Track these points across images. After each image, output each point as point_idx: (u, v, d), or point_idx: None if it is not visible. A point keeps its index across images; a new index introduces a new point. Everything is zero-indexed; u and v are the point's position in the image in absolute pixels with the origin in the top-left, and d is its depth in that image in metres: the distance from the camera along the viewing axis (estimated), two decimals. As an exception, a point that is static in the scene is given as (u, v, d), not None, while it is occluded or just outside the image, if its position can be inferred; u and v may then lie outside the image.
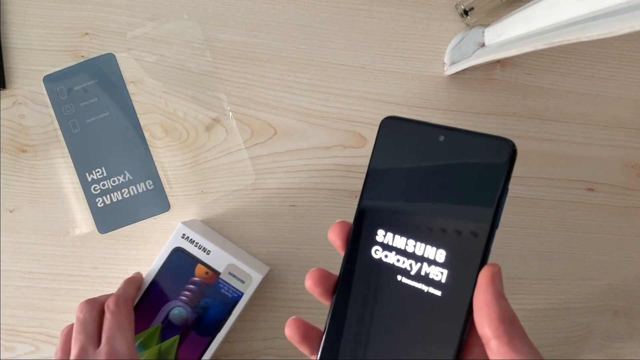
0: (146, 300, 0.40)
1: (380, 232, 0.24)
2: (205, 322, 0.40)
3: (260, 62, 0.46)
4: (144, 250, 0.45)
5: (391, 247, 0.23)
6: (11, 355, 0.44)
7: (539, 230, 0.49)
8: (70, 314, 0.45)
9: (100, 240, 0.45)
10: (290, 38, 0.46)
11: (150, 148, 0.45)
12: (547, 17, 0.34)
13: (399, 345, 0.23)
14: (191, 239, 0.40)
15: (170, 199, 0.45)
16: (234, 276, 0.40)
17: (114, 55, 0.44)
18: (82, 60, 0.45)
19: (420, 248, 0.23)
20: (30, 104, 0.45)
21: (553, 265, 0.49)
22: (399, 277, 0.23)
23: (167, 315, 0.40)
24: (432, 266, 0.23)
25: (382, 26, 0.47)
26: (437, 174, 0.23)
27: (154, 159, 0.45)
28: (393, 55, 0.47)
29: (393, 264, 0.23)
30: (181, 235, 0.40)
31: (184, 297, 0.40)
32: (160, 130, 0.46)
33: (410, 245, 0.23)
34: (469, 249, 0.22)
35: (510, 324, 0.20)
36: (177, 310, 0.40)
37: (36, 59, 0.45)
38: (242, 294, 0.40)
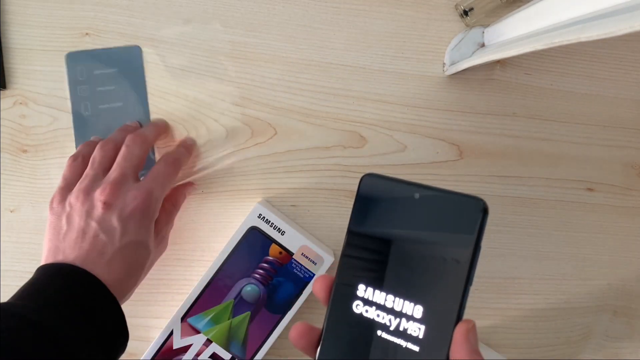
0: (220, 277, 0.42)
1: (361, 287, 0.25)
2: (276, 300, 0.42)
3: (260, 62, 0.46)
4: (144, 250, 0.45)
5: (371, 302, 0.24)
6: (11, 355, 0.44)
7: (539, 230, 0.49)
8: (71, 313, 0.45)
9: (101, 240, 0.45)
10: (290, 38, 0.46)
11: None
12: (547, 17, 0.34)
13: None
14: (267, 219, 0.42)
15: (171, 199, 0.46)
16: (306, 257, 0.42)
17: (141, 49, 0.44)
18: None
19: (398, 303, 0.24)
20: (31, 104, 0.45)
21: (553, 265, 0.49)
22: (379, 332, 0.24)
23: (240, 292, 0.42)
24: (410, 322, 0.24)
25: (382, 26, 0.47)
26: (413, 230, 0.24)
27: (156, 157, 0.45)
28: (393, 55, 0.47)
29: (373, 319, 0.24)
30: (257, 215, 0.42)
31: (257, 275, 0.42)
32: (161, 130, 0.46)
33: (389, 300, 0.24)
34: (445, 305, 0.23)
35: None
36: (250, 287, 0.42)
37: (36, 59, 0.45)
38: (313, 274, 0.42)
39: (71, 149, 0.45)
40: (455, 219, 0.24)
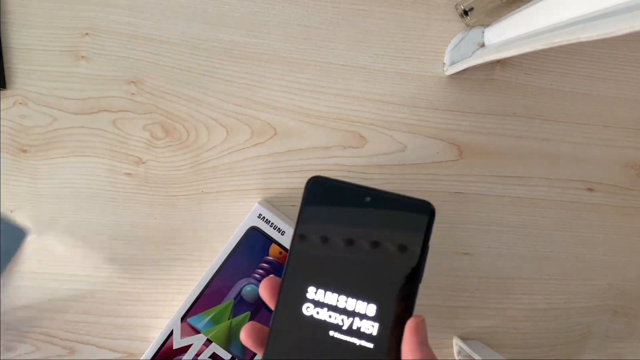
0: (220, 277, 0.42)
1: (311, 289, 0.25)
2: None
3: (260, 62, 0.46)
4: (144, 250, 0.45)
5: (322, 304, 0.25)
6: (11, 355, 0.44)
7: (539, 230, 0.49)
8: (71, 314, 0.45)
9: (101, 240, 0.45)
10: (290, 38, 0.46)
11: (150, 148, 0.46)
12: (546, 17, 0.34)
13: None
14: (267, 219, 0.41)
15: (171, 199, 0.45)
16: None
17: (25, 235, 0.42)
18: (82, 60, 0.45)
19: (351, 303, 0.24)
20: (31, 104, 0.45)
21: (553, 265, 0.49)
22: (331, 333, 0.24)
23: (240, 292, 0.42)
24: (364, 320, 0.24)
25: (382, 26, 0.47)
26: (364, 232, 0.25)
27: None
28: (393, 55, 0.47)
29: (325, 320, 0.24)
30: (257, 215, 0.42)
31: (257, 275, 0.42)
32: (160, 130, 0.46)
33: (342, 301, 0.24)
34: (397, 303, 0.24)
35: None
36: (250, 287, 0.42)
37: (36, 59, 0.45)
38: None
39: (71, 148, 0.45)
40: (404, 221, 0.25)
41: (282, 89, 0.46)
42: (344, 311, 0.24)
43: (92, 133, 0.45)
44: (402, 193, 0.25)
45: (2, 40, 0.44)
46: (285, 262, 0.26)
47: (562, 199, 0.49)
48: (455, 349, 0.48)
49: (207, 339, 0.41)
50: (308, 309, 0.25)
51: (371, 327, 0.24)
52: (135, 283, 0.45)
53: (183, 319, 0.41)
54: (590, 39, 0.26)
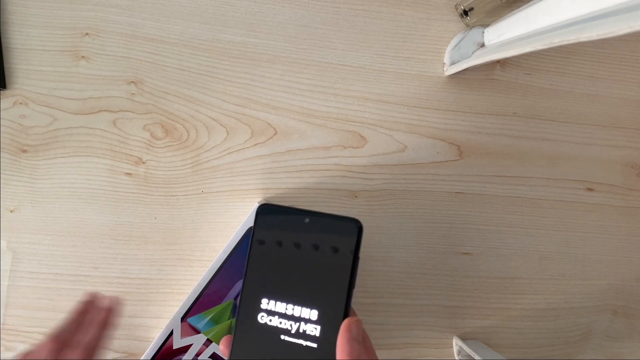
0: (219, 277, 0.42)
1: (264, 300, 0.29)
2: None
3: (260, 62, 0.46)
4: (144, 250, 0.45)
5: (274, 312, 0.29)
6: (11, 355, 0.44)
7: (539, 230, 0.49)
8: (71, 313, 0.45)
9: (101, 240, 0.45)
10: (290, 38, 0.46)
11: (150, 148, 0.46)
12: (546, 17, 0.34)
13: None
14: None
15: (170, 199, 0.45)
16: None
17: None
18: (82, 60, 0.45)
19: (297, 310, 0.29)
20: (31, 104, 0.45)
21: (553, 265, 0.49)
22: (282, 337, 0.29)
23: (239, 292, 0.41)
24: (308, 324, 0.29)
25: (382, 26, 0.47)
26: (305, 248, 0.29)
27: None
28: (393, 55, 0.47)
29: (276, 326, 0.29)
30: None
31: None
32: (160, 130, 0.46)
33: (289, 309, 0.29)
34: (335, 307, 0.29)
35: (359, 352, 0.27)
36: None
37: (36, 59, 0.45)
38: None
39: (71, 148, 0.45)
40: (338, 237, 0.29)
41: (282, 89, 0.46)
42: (292, 317, 0.29)
43: (92, 133, 0.45)
44: (334, 213, 0.30)
45: (2, 40, 0.44)
46: (243, 278, 0.30)
47: (562, 199, 0.49)
48: (455, 349, 0.48)
49: (207, 339, 0.41)
50: (262, 318, 0.29)
51: (314, 330, 0.29)
52: (135, 283, 0.45)
53: (183, 319, 0.41)
54: (590, 39, 0.26)
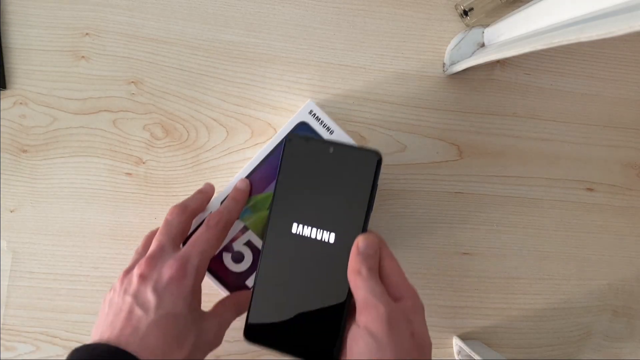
0: (264, 168, 0.41)
1: (294, 224, 0.33)
2: None
3: (260, 62, 0.46)
4: (144, 250, 0.45)
5: (303, 230, 0.33)
6: (12, 355, 0.44)
7: (539, 230, 0.49)
8: (71, 314, 0.45)
9: (101, 240, 0.45)
10: (290, 38, 0.46)
11: (150, 148, 0.46)
12: (546, 17, 0.34)
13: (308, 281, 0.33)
14: (317, 117, 0.41)
15: (170, 199, 0.45)
16: None
17: None
18: (82, 60, 0.45)
19: (320, 233, 0.33)
20: (31, 104, 0.45)
21: (553, 265, 0.49)
22: (306, 250, 0.33)
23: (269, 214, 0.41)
24: (329, 243, 0.33)
25: (382, 26, 0.47)
26: (329, 175, 0.33)
27: (154, 159, 0.45)
28: (393, 55, 0.47)
29: (307, 237, 0.33)
30: (308, 111, 0.41)
31: None
32: (160, 130, 0.46)
33: (314, 231, 0.33)
34: (353, 227, 0.32)
35: (361, 266, 0.30)
36: None
37: (36, 59, 0.45)
38: None
39: (71, 148, 0.45)
40: (359, 166, 0.32)
41: (282, 89, 0.46)
42: (318, 230, 0.33)
43: (92, 133, 0.45)
44: (356, 145, 0.34)
45: (2, 40, 0.44)
46: (271, 203, 0.34)
47: (562, 199, 0.49)
48: (455, 349, 0.48)
49: (244, 226, 0.40)
50: (296, 229, 0.33)
51: (333, 247, 0.33)
52: (135, 283, 0.45)
53: (223, 202, 0.40)
54: (590, 39, 0.26)
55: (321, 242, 0.33)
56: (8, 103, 0.45)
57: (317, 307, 0.33)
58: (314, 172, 0.33)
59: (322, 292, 0.33)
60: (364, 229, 0.32)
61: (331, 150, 0.33)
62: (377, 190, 0.33)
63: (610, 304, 0.50)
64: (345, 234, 0.32)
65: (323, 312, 0.33)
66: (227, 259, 0.40)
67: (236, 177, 0.41)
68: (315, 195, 0.33)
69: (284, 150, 0.33)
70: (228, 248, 0.40)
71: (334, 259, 0.32)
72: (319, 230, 0.33)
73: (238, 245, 0.40)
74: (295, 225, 0.33)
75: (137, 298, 0.32)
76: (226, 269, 0.40)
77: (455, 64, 0.46)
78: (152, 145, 0.46)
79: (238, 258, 0.40)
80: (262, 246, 0.34)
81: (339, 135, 0.42)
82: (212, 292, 0.46)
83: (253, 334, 0.34)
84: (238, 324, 0.46)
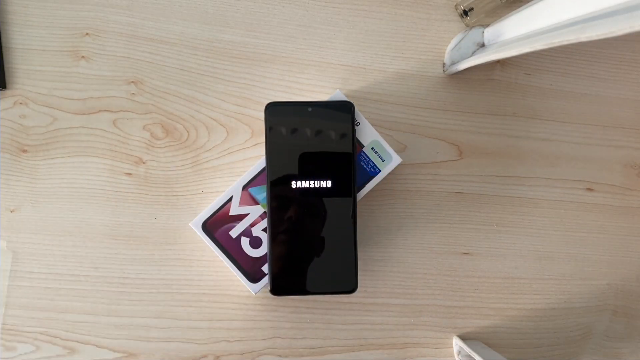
0: None
1: (292, 181, 0.38)
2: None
3: (260, 62, 0.46)
4: (144, 250, 0.45)
5: (301, 184, 0.38)
6: (12, 355, 0.44)
7: (539, 230, 0.49)
8: (71, 314, 0.45)
9: (101, 240, 0.45)
10: (290, 38, 0.46)
11: (150, 148, 0.46)
12: (546, 17, 0.34)
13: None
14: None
15: (170, 199, 0.46)
16: (376, 152, 0.42)
17: None
18: (82, 60, 0.45)
19: (315, 183, 0.38)
20: (31, 104, 0.45)
21: (553, 265, 0.49)
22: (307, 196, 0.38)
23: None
24: (327, 182, 0.38)
25: (382, 26, 0.47)
26: (313, 132, 0.38)
27: None
28: (393, 55, 0.47)
29: (305, 187, 0.38)
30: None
31: None
32: (160, 130, 0.46)
33: (308, 183, 0.38)
34: (345, 167, 0.38)
35: None
36: None
37: (36, 59, 0.45)
38: (380, 170, 0.42)
39: (71, 148, 0.45)
40: (336, 118, 0.38)
41: (282, 89, 0.46)
42: (314, 183, 0.38)
43: (92, 133, 0.45)
44: (331, 100, 0.39)
45: (2, 40, 0.44)
46: (266, 167, 0.38)
47: (562, 199, 0.49)
48: (455, 349, 0.48)
49: (264, 212, 0.40)
50: (294, 184, 0.38)
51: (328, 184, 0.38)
52: (136, 283, 0.45)
53: (245, 187, 0.40)
54: (590, 39, 0.26)
55: (320, 189, 0.37)
56: (8, 103, 0.45)
57: (330, 246, 0.38)
58: (298, 131, 0.37)
59: (331, 231, 0.37)
60: (354, 168, 0.38)
61: (310, 109, 0.38)
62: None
63: (610, 304, 0.50)
64: (340, 176, 0.37)
65: (336, 247, 0.38)
66: (245, 244, 0.40)
67: (261, 160, 0.41)
68: (304, 150, 0.37)
69: (265, 117, 0.38)
70: (247, 233, 0.40)
71: (334, 199, 0.37)
72: (315, 180, 0.37)
73: (257, 231, 0.40)
74: (293, 182, 0.37)
75: None
76: (244, 253, 0.40)
77: (455, 64, 0.46)
78: (152, 145, 0.46)
79: (256, 243, 0.40)
80: (267, 208, 0.38)
81: (366, 127, 0.43)
82: (213, 292, 0.46)
83: (279, 288, 0.38)
84: (237, 324, 0.46)
